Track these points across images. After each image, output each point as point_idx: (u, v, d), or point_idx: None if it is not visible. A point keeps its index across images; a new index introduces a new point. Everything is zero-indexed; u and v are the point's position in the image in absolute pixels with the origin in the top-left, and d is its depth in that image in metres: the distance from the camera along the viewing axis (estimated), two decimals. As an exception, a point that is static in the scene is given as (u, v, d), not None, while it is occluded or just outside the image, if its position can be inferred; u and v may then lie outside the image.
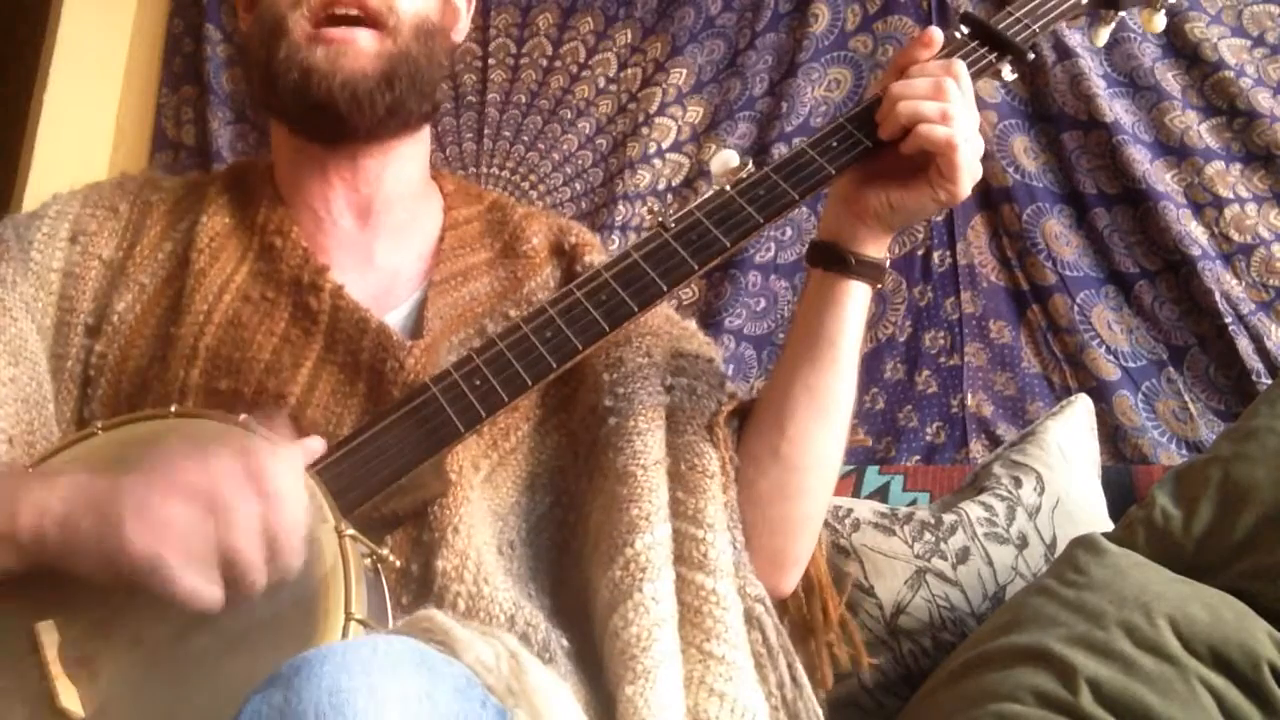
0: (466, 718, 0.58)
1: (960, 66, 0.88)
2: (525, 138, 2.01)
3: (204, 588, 0.68)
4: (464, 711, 0.59)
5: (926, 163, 0.87)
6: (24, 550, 0.72)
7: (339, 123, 0.96)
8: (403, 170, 1.03)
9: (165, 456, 0.72)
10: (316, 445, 0.80)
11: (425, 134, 1.06)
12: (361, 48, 0.95)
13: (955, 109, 0.85)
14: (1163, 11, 1.02)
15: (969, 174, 0.86)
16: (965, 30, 0.94)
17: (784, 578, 0.95)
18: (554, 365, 0.83)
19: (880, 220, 0.91)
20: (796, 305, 1.06)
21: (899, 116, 0.86)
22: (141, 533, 0.68)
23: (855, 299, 0.92)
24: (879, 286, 0.95)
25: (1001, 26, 0.94)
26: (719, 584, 0.83)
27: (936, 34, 0.92)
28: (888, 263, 0.94)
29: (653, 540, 0.83)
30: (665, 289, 0.85)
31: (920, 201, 0.89)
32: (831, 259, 0.92)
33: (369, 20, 0.96)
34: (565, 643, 0.83)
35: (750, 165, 0.89)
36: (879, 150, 0.89)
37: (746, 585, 0.86)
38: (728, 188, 0.88)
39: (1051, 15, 0.96)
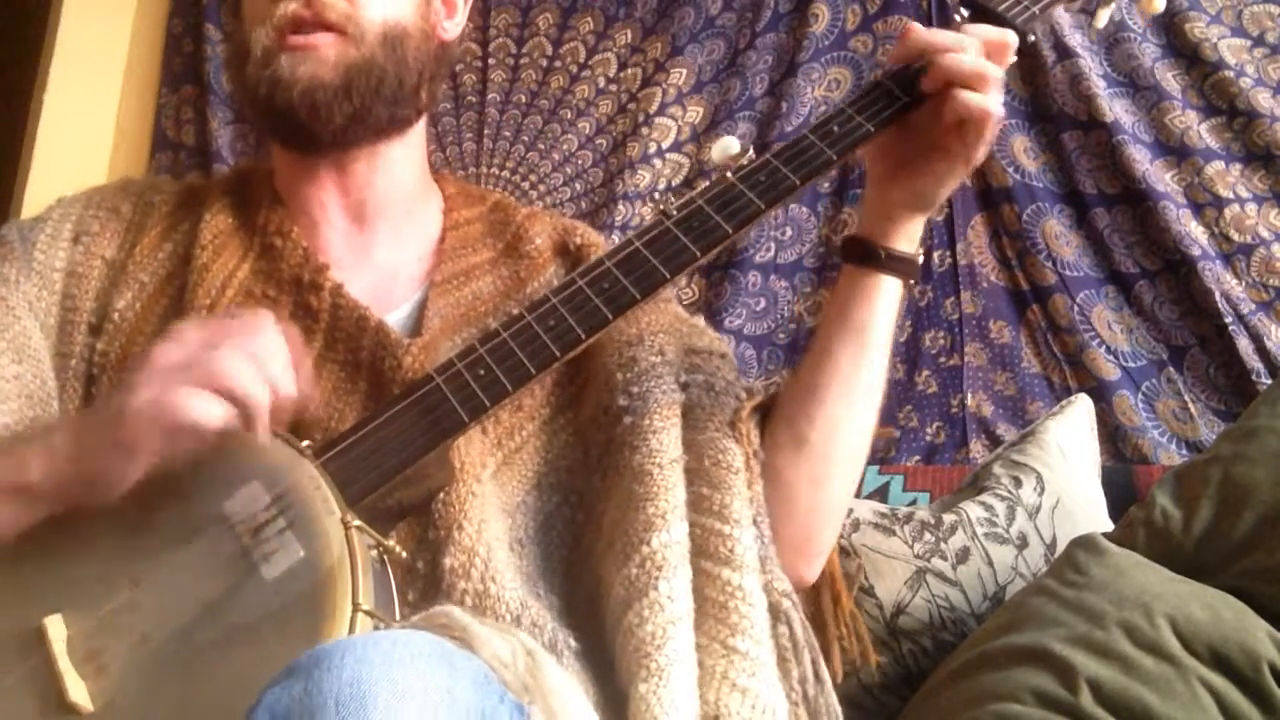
0: (486, 712, 0.58)
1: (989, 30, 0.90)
2: (525, 138, 2.01)
3: (213, 405, 0.71)
4: (484, 706, 0.58)
5: (939, 139, 0.88)
6: (43, 495, 0.74)
7: (302, 131, 0.96)
8: (393, 172, 1.03)
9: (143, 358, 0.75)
10: (265, 316, 0.80)
11: (415, 135, 1.05)
12: (323, 54, 0.94)
13: (995, 76, 0.86)
14: None
15: (987, 144, 0.88)
16: (965, 13, 0.94)
17: (809, 567, 0.95)
18: (557, 354, 0.83)
19: (909, 207, 0.92)
20: (828, 299, 1.06)
21: (947, 72, 0.86)
22: (141, 403, 0.71)
23: (886, 293, 0.93)
24: (912, 282, 0.96)
25: (1002, 8, 0.94)
26: (745, 579, 0.82)
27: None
28: (920, 258, 0.95)
29: (669, 539, 0.83)
30: (668, 276, 0.85)
31: (939, 175, 0.90)
32: (863, 254, 0.93)
33: (332, 28, 0.96)
34: (573, 643, 0.82)
35: (751, 152, 0.89)
36: (880, 135, 0.89)
37: (773, 580, 0.85)
38: (729, 174, 0.88)
39: None
